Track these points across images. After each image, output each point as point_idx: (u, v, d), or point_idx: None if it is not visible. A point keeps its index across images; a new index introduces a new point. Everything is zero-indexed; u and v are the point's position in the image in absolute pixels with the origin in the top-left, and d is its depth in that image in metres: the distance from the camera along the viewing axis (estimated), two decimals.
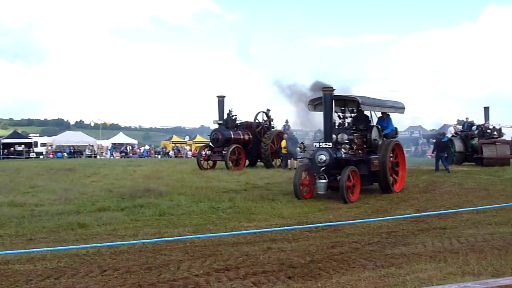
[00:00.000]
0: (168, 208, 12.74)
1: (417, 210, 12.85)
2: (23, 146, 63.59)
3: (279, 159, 28.13)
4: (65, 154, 61.24)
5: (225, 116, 27.71)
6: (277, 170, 25.43)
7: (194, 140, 74.98)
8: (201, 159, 26.91)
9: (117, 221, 11.05)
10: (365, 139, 16.55)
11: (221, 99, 27.24)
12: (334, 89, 15.04)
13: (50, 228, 10.38)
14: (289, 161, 26.35)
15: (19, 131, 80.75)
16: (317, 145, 14.96)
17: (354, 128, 16.58)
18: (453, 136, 31.47)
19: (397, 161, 17.42)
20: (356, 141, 15.87)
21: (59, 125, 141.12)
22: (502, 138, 30.10)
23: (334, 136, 15.12)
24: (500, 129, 31.12)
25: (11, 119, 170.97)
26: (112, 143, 72.04)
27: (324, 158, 14.53)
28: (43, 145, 69.23)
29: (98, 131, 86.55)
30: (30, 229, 10.21)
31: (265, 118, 29.13)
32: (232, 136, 26.92)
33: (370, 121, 17.43)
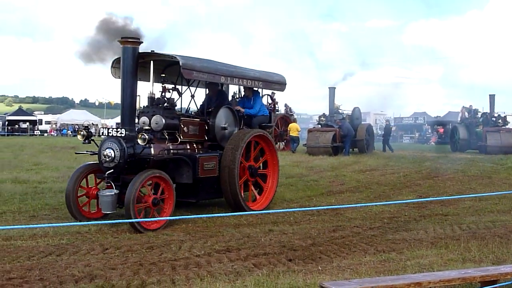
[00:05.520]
0: None
1: (419, 196, 12.85)
2: (27, 123, 63.74)
3: (283, 142, 28.12)
4: (69, 132, 61.35)
5: (230, 99, 27.61)
6: (280, 153, 25.39)
7: None
8: None
9: None
10: (206, 127, 10.54)
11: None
12: (141, 42, 9.30)
13: (53, 205, 10.42)
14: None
15: (24, 109, 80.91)
16: (105, 132, 9.37)
17: (202, 110, 11.01)
18: (458, 123, 31.40)
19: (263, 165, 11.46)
20: (185, 129, 9.97)
21: (64, 103, 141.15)
22: (507, 126, 30.03)
23: (145, 119, 9.60)
24: (505, 117, 30.98)
25: (16, 96, 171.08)
26: (117, 123, 71.99)
27: (112, 154, 8.90)
28: (47, 123, 69.38)
29: (103, 110, 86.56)
30: (33, 206, 10.25)
31: (270, 101, 29.05)
32: (273, 118, 26.78)
33: (232, 103, 12.07)
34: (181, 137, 9.89)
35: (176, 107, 10.28)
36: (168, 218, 8.62)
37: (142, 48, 9.40)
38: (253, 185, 10.94)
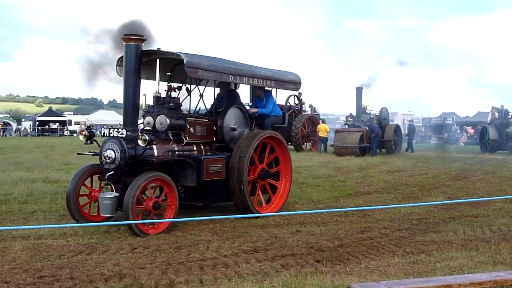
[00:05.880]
0: None
1: (449, 198, 12.69)
2: (57, 124, 64.74)
3: (310, 143, 28.10)
4: (98, 132, 62.00)
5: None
6: (307, 153, 25.37)
7: None
8: None
9: None
10: (214, 128, 10.15)
11: None
12: (145, 39, 8.96)
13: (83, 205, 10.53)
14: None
15: (54, 109, 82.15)
16: (107, 133, 8.97)
17: (210, 110, 10.63)
18: (488, 123, 30.96)
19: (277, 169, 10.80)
20: (192, 129, 9.60)
21: (93, 104, 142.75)
22: None
23: (150, 119, 9.30)
24: None
25: (46, 97, 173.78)
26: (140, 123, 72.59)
27: (113, 156, 8.62)
28: (77, 123, 70.34)
29: None
30: (63, 205, 10.35)
31: (296, 102, 29.05)
32: (287, 119, 26.82)
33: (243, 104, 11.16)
34: (187, 138, 9.51)
35: (181, 107, 9.76)
36: (198, 218, 8.65)
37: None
38: (262, 189, 10.44)
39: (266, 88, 11.21)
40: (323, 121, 28.69)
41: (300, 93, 29.37)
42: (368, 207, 10.81)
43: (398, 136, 27.90)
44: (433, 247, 7.75)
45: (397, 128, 28.07)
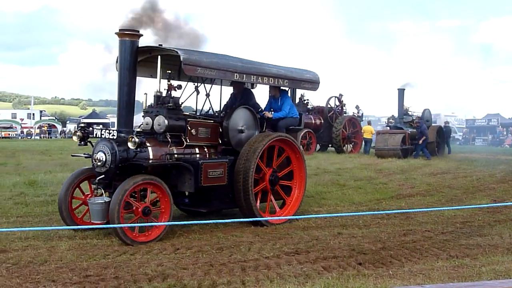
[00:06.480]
0: None
1: (494, 201, 12.43)
2: (101, 126, 65.75)
3: (351, 145, 27.93)
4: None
5: (297, 101, 27.70)
6: (349, 155, 25.19)
7: None
8: None
9: None
10: (220, 130, 9.44)
11: None
12: (141, 35, 8.39)
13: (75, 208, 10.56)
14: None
15: (97, 112, 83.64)
16: (99, 134, 8.52)
17: (223, 111, 10.01)
18: None
19: (289, 170, 10.01)
20: (193, 131, 8.89)
21: (136, 107, 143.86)
22: None
23: (149, 120, 8.82)
24: None
25: (89, 100, 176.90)
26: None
27: (103, 158, 8.08)
28: None
29: None
30: None
31: (337, 103, 28.91)
32: (303, 121, 26.83)
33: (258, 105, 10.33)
34: (188, 141, 8.83)
35: (181, 107, 9.09)
36: (239, 219, 8.68)
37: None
38: (274, 195, 9.76)
39: (282, 88, 10.58)
40: (369, 123, 28.47)
41: (341, 95, 29.23)
42: (411, 210, 10.68)
43: (441, 138, 27.43)
44: (478, 251, 7.61)
45: (440, 129, 27.59)
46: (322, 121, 27.77)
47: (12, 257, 6.84)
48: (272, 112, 10.39)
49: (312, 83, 10.84)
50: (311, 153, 25.64)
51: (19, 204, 10.54)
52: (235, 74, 9.16)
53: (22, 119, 61.78)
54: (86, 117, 71.88)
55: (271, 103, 10.65)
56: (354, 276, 6.24)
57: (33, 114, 64.98)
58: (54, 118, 73.32)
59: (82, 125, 9.36)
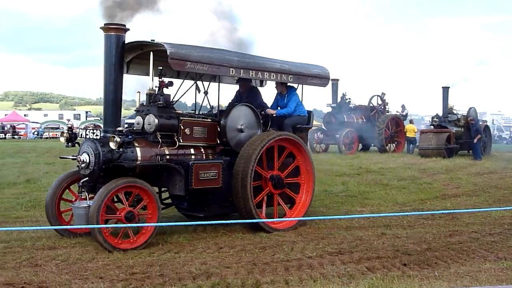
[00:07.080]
0: None
1: None
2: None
3: (393, 144, 27.62)
4: None
5: (339, 100, 27.59)
6: (391, 155, 24.90)
7: None
8: (314, 142, 26.92)
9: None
10: (219, 129, 8.85)
11: (335, 82, 27.30)
12: (127, 29, 7.88)
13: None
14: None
15: None
16: (84, 134, 8.16)
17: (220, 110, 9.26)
18: None
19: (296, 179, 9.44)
20: (187, 130, 8.34)
21: (178, 107, 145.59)
22: None
23: (139, 119, 8.39)
24: None
25: (133, 100, 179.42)
26: None
27: (87, 160, 7.63)
28: None
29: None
30: None
31: (380, 102, 28.64)
32: (346, 120, 26.71)
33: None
34: (181, 141, 8.28)
35: (173, 105, 8.63)
36: (277, 219, 8.64)
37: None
38: (282, 198, 9.19)
39: (289, 84, 10.00)
40: (411, 122, 28.07)
41: (383, 93, 28.94)
42: (457, 210, 10.49)
43: (488, 136, 26.82)
44: None
45: (486, 128, 27.00)
46: (364, 120, 27.56)
47: (61, 254, 7.03)
48: (277, 110, 9.87)
49: (321, 79, 10.17)
50: (353, 153, 25.47)
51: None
52: (231, 69, 8.61)
53: (68, 120, 63.24)
54: (130, 117, 72.97)
55: (278, 100, 10.11)
56: (399, 277, 6.16)
57: (79, 114, 66.35)
58: (99, 118, 74.77)
59: (70, 125, 9.32)
